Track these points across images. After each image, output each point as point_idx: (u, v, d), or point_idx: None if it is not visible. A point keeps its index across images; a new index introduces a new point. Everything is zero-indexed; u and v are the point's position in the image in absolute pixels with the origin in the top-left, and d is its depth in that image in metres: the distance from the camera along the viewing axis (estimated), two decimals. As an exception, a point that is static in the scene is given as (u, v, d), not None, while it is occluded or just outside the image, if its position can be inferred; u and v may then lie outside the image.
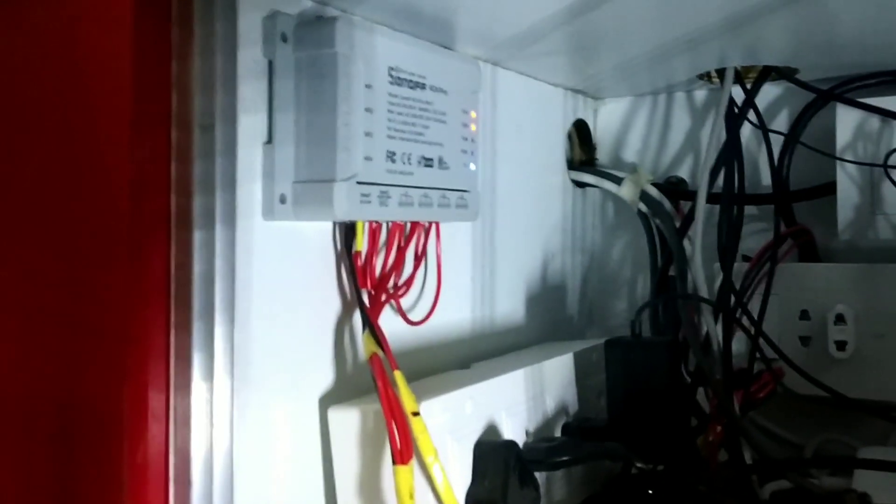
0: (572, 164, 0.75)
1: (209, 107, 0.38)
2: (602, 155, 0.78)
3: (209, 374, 0.38)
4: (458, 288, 0.58)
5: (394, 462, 0.39)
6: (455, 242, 0.57)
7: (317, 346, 0.45)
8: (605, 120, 0.78)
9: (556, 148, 0.73)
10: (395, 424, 0.39)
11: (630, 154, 0.77)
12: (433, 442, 0.41)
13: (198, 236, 0.38)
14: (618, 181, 0.71)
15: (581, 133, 0.77)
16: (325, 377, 0.45)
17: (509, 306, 0.64)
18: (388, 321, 0.50)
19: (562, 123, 0.73)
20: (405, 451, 0.39)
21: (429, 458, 0.40)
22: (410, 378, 0.49)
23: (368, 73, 0.43)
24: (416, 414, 0.40)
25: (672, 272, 0.66)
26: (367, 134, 0.43)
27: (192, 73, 0.38)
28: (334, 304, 0.46)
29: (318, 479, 0.44)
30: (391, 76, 0.45)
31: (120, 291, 0.37)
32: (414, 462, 0.40)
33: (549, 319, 0.70)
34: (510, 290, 0.65)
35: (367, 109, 0.43)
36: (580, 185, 0.75)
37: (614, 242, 0.78)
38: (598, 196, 0.78)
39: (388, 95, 0.44)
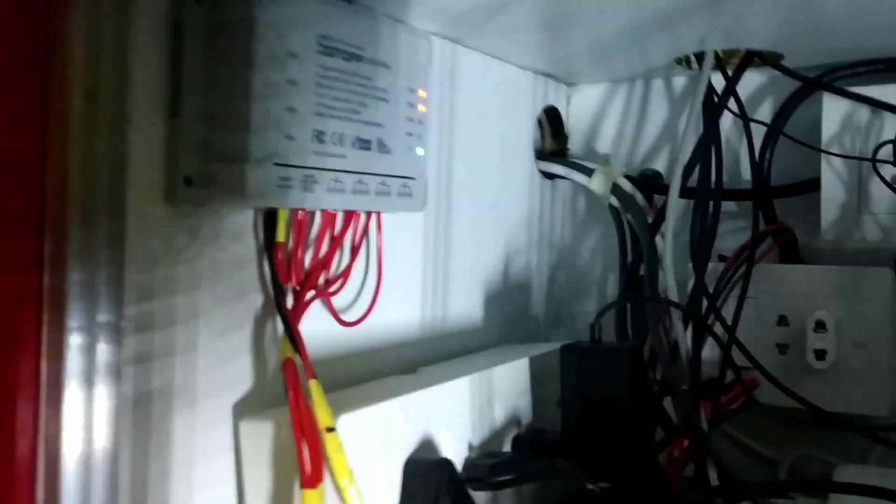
0: (542, 154, 0.70)
1: (96, 68, 0.33)
2: (574, 144, 0.73)
3: (87, 377, 0.33)
4: (406, 285, 0.53)
5: (301, 485, 0.34)
6: (403, 236, 0.52)
7: (233, 349, 0.40)
8: (579, 107, 0.73)
9: (524, 136, 0.68)
10: (306, 442, 0.34)
11: (604, 144, 0.72)
12: (353, 461, 0.36)
13: (78, 224, 0.33)
14: (589, 173, 0.66)
15: (552, 121, 0.72)
16: (241, 384, 0.40)
17: (466, 306, 0.60)
18: (323, 322, 0.45)
19: (531, 110, 0.68)
20: (314, 473, 0.34)
21: (343, 481, 0.35)
22: (344, 385, 0.45)
23: (293, 41, 0.38)
24: (330, 430, 0.35)
25: (643, 272, 0.62)
26: (290, 109, 0.38)
27: (76, 28, 0.33)
28: (255, 302, 0.41)
29: (231, 495, 0.39)
30: (322, 45, 0.40)
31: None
32: (327, 485, 0.35)
33: (511, 320, 0.65)
34: (467, 289, 0.60)
35: (290, 81, 0.38)
36: (549, 176, 0.70)
37: (585, 238, 0.73)
38: (569, 189, 0.73)
39: (318, 67, 0.39)
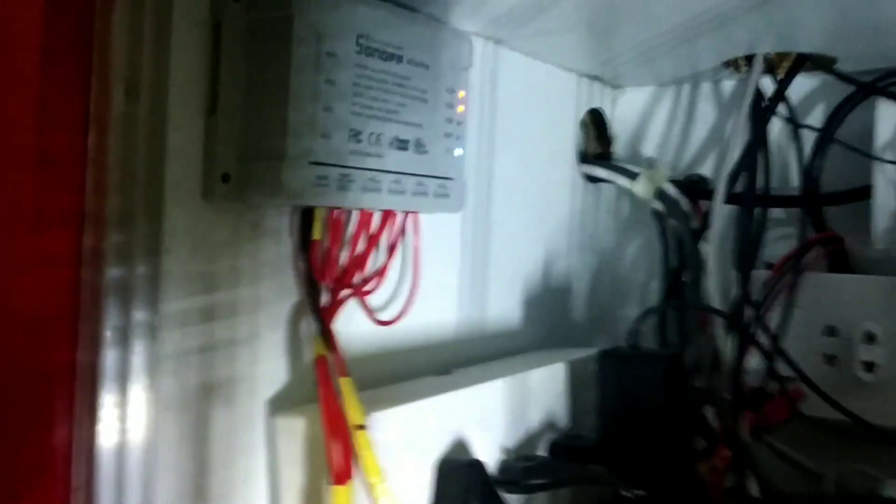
0: (585, 157, 0.70)
1: (137, 67, 0.34)
2: (619, 148, 0.72)
3: (123, 371, 0.34)
4: (443, 286, 0.53)
5: (331, 482, 0.34)
6: (441, 236, 0.52)
7: (269, 346, 0.40)
8: (624, 110, 0.72)
9: (568, 138, 0.67)
10: (336, 439, 0.35)
11: (649, 148, 0.71)
12: (384, 459, 0.36)
13: (117, 219, 0.34)
14: (633, 176, 0.65)
15: (596, 123, 0.71)
16: (276, 380, 0.41)
17: (504, 308, 0.59)
18: (358, 320, 0.45)
19: (574, 112, 0.68)
20: (344, 469, 0.34)
21: (373, 479, 0.35)
22: (378, 384, 0.45)
23: (332, 40, 0.38)
24: (361, 427, 0.35)
25: (686, 278, 0.60)
26: (327, 108, 0.38)
27: (117, 28, 0.33)
28: (291, 300, 0.41)
29: (264, 490, 0.40)
30: (360, 45, 0.40)
31: (22, 286, 0.32)
32: (357, 482, 0.35)
33: (550, 324, 0.64)
34: (506, 291, 0.59)
35: (328, 81, 0.38)
36: (592, 179, 0.69)
37: (628, 243, 0.72)
38: (612, 192, 0.72)
39: (356, 67, 0.40)
